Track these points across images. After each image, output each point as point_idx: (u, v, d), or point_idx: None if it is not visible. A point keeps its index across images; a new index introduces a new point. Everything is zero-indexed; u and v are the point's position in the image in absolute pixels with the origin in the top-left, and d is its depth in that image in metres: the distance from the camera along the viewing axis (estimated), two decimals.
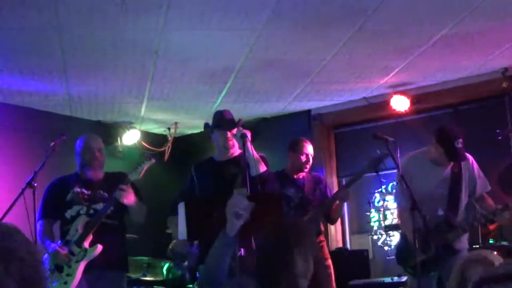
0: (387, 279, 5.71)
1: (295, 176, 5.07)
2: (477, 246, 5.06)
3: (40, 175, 4.11)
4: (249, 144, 3.93)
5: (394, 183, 4.57)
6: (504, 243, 5.16)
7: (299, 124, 7.05)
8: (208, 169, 4.30)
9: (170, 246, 6.32)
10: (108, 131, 7.04)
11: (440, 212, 4.35)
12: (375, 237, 6.83)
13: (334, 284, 4.96)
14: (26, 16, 4.11)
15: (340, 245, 6.90)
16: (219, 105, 6.32)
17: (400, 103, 6.35)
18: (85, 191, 4.31)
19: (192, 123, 7.41)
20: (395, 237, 6.63)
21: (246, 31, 4.55)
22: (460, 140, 4.23)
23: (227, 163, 4.23)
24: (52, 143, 4.21)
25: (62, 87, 5.73)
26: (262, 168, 4.00)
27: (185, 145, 7.57)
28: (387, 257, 6.59)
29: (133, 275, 5.73)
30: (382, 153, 4.56)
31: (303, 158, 5.02)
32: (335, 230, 6.89)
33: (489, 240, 5.27)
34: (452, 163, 4.34)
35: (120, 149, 7.13)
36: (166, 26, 4.37)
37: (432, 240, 4.20)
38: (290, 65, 5.44)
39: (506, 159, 5.65)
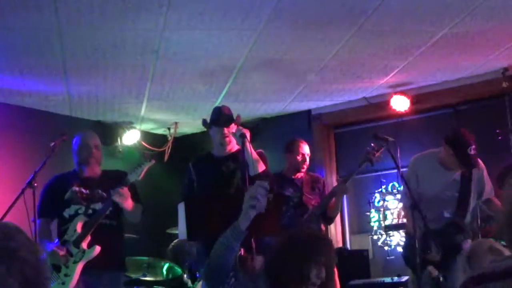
0: (387, 279, 5.71)
1: (292, 177, 5.08)
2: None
3: (40, 175, 4.12)
4: (248, 144, 3.93)
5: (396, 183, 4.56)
6: (503, 242, 5.16)
7: (299, 124, 7.05)
8: (207, 165, 4.29)
9: (170, 246, 6.33)
10: (108, 131, 7.04)
11: (446, 215, 4.37)
12: (375, 237, 6.83)
13: (338, 283, 4.91)
14: (26, 16, 4.11)
15: (340, 245, 6.90)
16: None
17: (400, 103, 6.34)
18: (84, 190, 4.28)
19: (192, 123, 7.40)
20: (395, 237, 6.63)
21: (246, 31, 4.55)
22: (473, 147, 4.23)
23: (226, 158, 4.22)
24: (52, 143, 4.20)
25: (62, 87, 5.72)
26: (261, 167, 4.00)
27: (185, 145, 7.57)
28: (387, 257, 6.60)
29: (133, 275, 5.72)
30: (375, 146, 4.54)
31: (300, 158, 5.05)
32: (335, 230, 6.89)
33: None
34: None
35: (120, 149, 7.13)
36: (166, 26, 4.37)
37: (439, 242, 4.21)
38: (290, 65, 5.44)
39: (506, 159, 5.64)
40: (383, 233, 6.73)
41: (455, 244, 4.26)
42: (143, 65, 5.21)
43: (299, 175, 5.10)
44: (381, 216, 6.80)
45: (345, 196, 5.61)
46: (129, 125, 7.21)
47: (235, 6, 4.12)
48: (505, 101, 5.99)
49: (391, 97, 6.37)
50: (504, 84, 5.73)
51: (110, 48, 4.78)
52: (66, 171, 4.49)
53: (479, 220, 4.93)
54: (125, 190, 4.12)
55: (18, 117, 6.19)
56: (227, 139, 4.18)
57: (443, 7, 4.32)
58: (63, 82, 5.56)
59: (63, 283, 4.03)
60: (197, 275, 6.03)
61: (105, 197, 4.24)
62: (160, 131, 7.64)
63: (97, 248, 4.10)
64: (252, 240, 3.65)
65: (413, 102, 6.34)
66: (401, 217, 6.58)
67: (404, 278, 5.41)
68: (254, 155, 3.99)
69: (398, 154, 4.24)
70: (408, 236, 4.50)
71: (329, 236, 6.68)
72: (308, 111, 7.07)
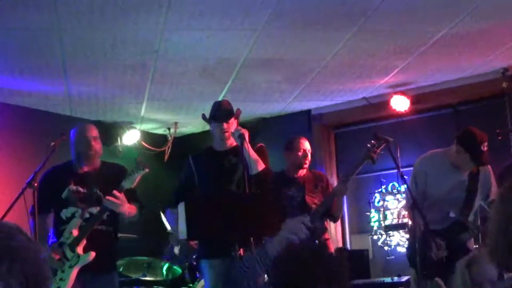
0: (387, 279, 5.71)
1: (295, 175, 5.02)
2: (476, 246, 5.06)
3: (40, 175, 4.11)
4: (246, 144, 3.92)
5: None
6: None
7: (299, 124, 7.05)
8: (207, 159, 4.25)
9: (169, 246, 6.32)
10: (108, 131, 7.03)
11: (452, 215, 4.38)
12: (375, 237, 6.83)
13: None
14: (26, 16, 4.11)
15: (340, 245, 6.90)
16: None
17: (400, 103, 6.34)
18: (81, 189, 4.25)
19: (192, 123, 7.41)
20: (395, 237, 6.63)
21: (246, 31, 4.55)
22: (485, 143, 4.23)
23: (227, 153, 4.19)
24: (52, 143, 4.17)
25: (62, 87, 5.73)
26: (261, 166, 3.99)
27: (185, 145, 7.57)
28: (387, 257, 6.60)
29: (133, 275, 5.73)
30: (375, 143, 4.48)
31: (301, 153, 4.96)
32: (335, 230, 6.89)
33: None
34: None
35: (120, 149, 7.13)
36: (166, 26, 4.37)
37: (445, 241, 4.22)
38: (290, 65, 5.44)
39: (506, 159, 5.64)
40: (383, 233, 6.73)
41: (460, 243, 4.27)
42: (143, 65, 5.21)
43: (301, 173, 5.02)
44: (381, 216, 6.80)
45: (345, 196, 5.59)
46: (129, 125, 7.21)
47: (235, 6, 4.12)
48: (505, 101, 5.99)
49: (391, 97, 6.37)
50: (504, 84, 5.72)
51: (110, 48, 4.78)
52: (62, 163, 4.40)
53: (479, 220, 4.94)
54: (120, 196, 4.06)
55: (18, 117, 6.19)
56: (226, 134, 4.14)
57: (443, 7, 4.32)
58: (63, 82, 5.57)
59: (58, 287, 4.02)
60: (197, 275, 6.04)
61: (102, 198, 4.21)
62: (160, 131, 7.64)
63: (92, 254, 4.07)
64: (252, 240, 3.66)
65: (413, 102, 6.34)
66: (401, 217, 6.59)
67: (404, 278, 5.41)
68: (253, 154, 3.99)
69: (398, 154, 4.24)
70: (412, 235, 4.51)
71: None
72: (308, 111, 7.07)
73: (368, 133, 5.15)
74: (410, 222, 4.72)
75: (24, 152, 5.98)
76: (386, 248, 6.69)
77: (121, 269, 5.54)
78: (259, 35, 4.64)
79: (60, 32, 4.42)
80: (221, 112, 4.16)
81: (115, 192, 4.02)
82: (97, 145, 4.31)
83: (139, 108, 6.62)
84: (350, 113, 6.89)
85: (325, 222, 5.03)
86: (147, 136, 7.52)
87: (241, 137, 3.93)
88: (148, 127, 7.48)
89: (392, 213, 6.74)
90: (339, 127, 7.27)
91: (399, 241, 6.57)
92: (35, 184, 4.00)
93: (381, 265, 6.72)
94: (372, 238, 6.86)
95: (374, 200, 6.86)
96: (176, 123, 7.36)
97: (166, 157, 7.48)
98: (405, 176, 4.43)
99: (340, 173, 7.15)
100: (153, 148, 7.39)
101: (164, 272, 5.82)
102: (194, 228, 3.54)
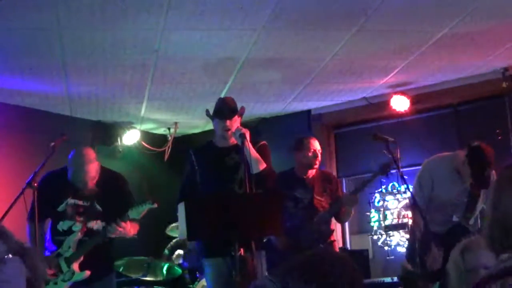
0: (387, 279, 5.71)
1: (303, 176, 4.92)
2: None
3: (40, 175, 4.11)
4: (247, 143, 3.90)
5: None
6: None
7: (299, 124, 7.05)
8: (209, 154, 4.20)
9: (169, 246, 6.33)
10: (108, 131, 7.04)
11: (455, 218, 4.39)
12: (375, 237, 6.83)
13: None
14: (26, 16, 4.11)
15: (340, 245, 6.90)
16: None
17: (400, 103, 6.34)
18: (80, 203, 4.23)
19: (192, 123, 7.41)
20: (395, 237, 6.63)
21: (246, 31, 4.55)
22: (490, 170, 4.21)
23: (229, 150, 4.13)
24: (52, 143, 4.17)
25: (62, 87, 5.72)
26: (262, 166, 3.97)
27: (185, 145, 7.55)
28: (387, 257, 6.60)
29: (133, 275, 5.73)
30: (391, 158, 4.42)
31: (310, 154, 4.86)
32: (335, 230, 6.89)
33: None
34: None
35: (120, 149, 7.13)
36: (166, 26, 4.37)
37: (446, 244, 4.23)
38: (290, 65, 5.44)
39: (506, 159, 5.64)
40: (383, 233, 6.73)
41: None
42: (143, 65, 5.21)
43: (311, 173, 4.92)
44: (381, 216, 6.80)
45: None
46: (129, 125, 7.21)
47: (235, 6, 4.11)
48: (505, 101, 5.99)
49: (391, 97, 6.37)
50: (504, 84, 5.73)
51: (110, 48, 4.78)
52: (60, 168, 4.38)
53: (479, 221, 4.94)
54: (125, 226, 4.07)
55: (18, 117, 6.19)
56: (230, 132, 4.08)
57: (443, 7, 4.32)
58: (63, 82, 5.56)
59: None
60: (197, 275, 6.04)
61: (101, 213, 4.20)
62: (160, 131, 7.64)
63: (87, 273, 4.07)
64: (252, 240, 3.66)
65: (413, 102, 6.34)
66: (401, 217, 6.59)
67: None
68: (254, 154, 3.96)
69: (398, 154, 4.23)
70: (412, 236, 4.52)
71: None
72: (308, 111, 7.07)
73: (368, 133, 5.15)
74: (410, 222, 4.72)
75: (24, 152, 5.98)
76: (386, 248, 6.69)
77: (121, 269, 5.54)
78: (259, 35, 4.64)
79: (60, 32, 4.42)
80: (224, 109, 4.10)
81: (120, 222, 4.04)
82: (93, 170, 4.23)
83: (139, 108, 6.62)
84: (350, 113, 6.89)
85: (331, 224, 4.99)
86: (147, 136, 7.52)
87: (242, 136, 3.90)
88: (148, 127, 7.48)
89: (392, 213, 6.74)
90: (339, 127, 7.27)
91: (399, 241, 6.57)
92: (35, 184, 4.00)
93: (381, 265, 6.72)
94: (372, 238, 6.86)
95: (374, 200, 6.85)
96: (176, 123, 7.35)
97: (166, 157, 7.48)
98: (405, 176, 4.43)
99: (339, 173, 7.15)
100: (153, 148, 7.39)
101: (164, 272, 5.82)
102: (194, 228, 3.54)
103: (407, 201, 5.79)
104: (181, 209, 3.53)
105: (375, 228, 6.86)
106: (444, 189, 4.36)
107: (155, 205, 4.09)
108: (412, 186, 4.66)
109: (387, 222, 6.73)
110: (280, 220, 3.64)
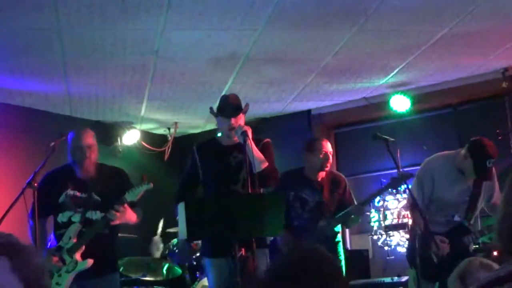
0: (387, 279, 5.71)
1: (313, 178, 4.83)
2: (477, 246, 5.06)
3: (40, 175, 4.11)
4: (250, 141, 3.86)
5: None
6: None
7: (299, 124, 7.05)
8: (213, 152, 4.15)
9: (170, 246, 6.32)
10: (108, 131, 7.04)
11: (457, 218, 4.38)
12: (375, 237, 6.83)
13: None
14: (26, 16, 4.11)
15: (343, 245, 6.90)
16: None
17: (400, 103, 6.34)
18: (79, 194, 4.23)
19: (192, 123, 7.41)
20: (395, 237, 6.63)
21: (246, 31, 4.55)
22: (493, 160, 4.21)
23: (233, 148, 4.06)
24: (52, 143, 4.16)
25: (62, 87, 5.72)
26: (264, 164, 3.94)
27: (185, 145, 7.54)
28: (387, 257, 6.60)
29: (133, 275, 5.72)
30: (402, 174, 4.37)
31: (322, 156, 4.76)
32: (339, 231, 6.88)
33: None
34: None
35: (120, 149, 7.13)
36: (166, 26, 4.37)
37: (449, 244, 4.23)
38: (290, 65, 5.44)
39: (506, 159, 5.64)
40: (383, 233, 6.73)
41: (463, 247, 4.27)
42: (143, 65, 5.21)
43: (321, 175, 4.83)
44: (381, 216, 6.79)
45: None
46: (129, 125, 7.21)
47: (235, 6, 4.11)
48: (505, 101, 5.99)
49: (391, 97, 6.37)
50: (504, 84, 5.73)
51: (110, 48, 4.78)
52: (60, 165, 4.40)
53: (479, 221, 4.95)
54: (122, 209, 4.05)
55: (18, 117, 6.19)
56: (234, 131, 4.00)
57: (443, 7, 4.32)
58: (63, 82, 5.57)
59: None
60: (197, 275, 6.03)
61: (100, 203, 4.21)
62: (160, 131, 7.65)
63: (90, 261, 4.06)
64: (253, 239, 3.65)
65: (413, 102, 6.34)
66: (401, 217, 6.59)
67: (404, 278, 5.41)
68: (257, 152, 3.92)
69: (398, 154, 4.23)
70: (412, 236, 4.52)
71: None
72: (308, 111, 7.07)
73: (368, 133, 5.14)
74: (410, 222, 4.71)
75: (24, 152, 5.98)
76: (386, 248, 6.68)
77: (121, 269, 5.54)
78: (259, 35, 4.64)
79: (60, 32, 4.42)
80: (228, 107, 4.03)
81: (119, 207, 4.02)
82: (93, 153, 4.27)
83: (139, 108, 6.62)
84: (350, 113, 6.89)
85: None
86: (147, 136, 7.52)
87: (244, 134, 3.86)
88: (148, 127, 7.49)
89: (392, 213, 6.73)
90: (339, 127, 7.27)
91: (399, 241, 6.56)
92: (35, 184, 4.00)
93: (381, 265, 6.72)
94: (372, 238, 6.86)
95: (374, 200, 6.85)
96: (176, 123, 7.36)
97: (166, 157, 7.48)
98: None
99: (340, 173, 7.13)
100: (153, 148, 7.39)
101: (164, 272, 5.82)
102: (194, 228, 3.53)
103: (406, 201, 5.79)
104: (181, 209, 3.52)
105: (375, 228, 6.85)
106: (445, 188, 4.36)
107: (151, 186, 4.10)
108: (412, 186, 4.66)
109: (387, 222, 6.72)
110: (280, 221, 3.62)
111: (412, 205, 4.23)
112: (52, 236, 4.29)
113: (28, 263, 1.38)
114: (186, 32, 4.54)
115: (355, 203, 4.83)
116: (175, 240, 5.96)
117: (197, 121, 7.33)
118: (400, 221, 6.58)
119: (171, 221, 6.15)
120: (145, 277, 5.73)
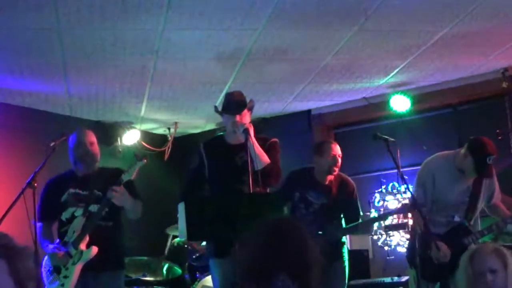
0: (387, 279, 5.71)
1: (321, 181, 4.79)
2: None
3: (40, 175, 4.11)
4: (251, 139, 3.85)
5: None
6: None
7: (299, 124, 7.05)
8: (219, 151, 4.14)
9: (168, 246, 6.32)
10: (108, 131, 7.04)
11: (457, 219, 4.39)
12: (375, 237, 6.82)
13: (344, 281, 4.76)
14: (26, 16, 4.11)
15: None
16: None
17: (400, 103, 6.34)
18: (81, 192, 4.26)
19: (192, 123, 7.41)
20: (395, 237, 6.63)
21: (246, 31, 4.55)
22: (493, 157, 4.22)
23: (239, 148, 4.03)
24: (52, 143, 4.18)
25: (62, 87, 5.72)
26: (265, 162, 3.93)
27: (185, 145, 7.57)
28: (387, 257, 6.60)
29: (133, 275, 5.73)
30: (415, 200, 4.31)
31: (330, 159, 4.75)
32: None
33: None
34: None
35: (120, 149, 7.13)
36: (166, 26, 4.37)
37: (449, 245, 4.23)
38: (290, 65, 5.44)
39: (506, 159, 5.64)
40: (383, 233, 6.72)
41: (463, 248, 4.27)
42: (143, 65, 5.21)
43: (329, 178, 4.79)
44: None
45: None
46: (129, 125, 7.21)
47: (235, 6, 4.11)
48: (505, 101, 5.99)
49: (391, 97, 6.37)
50: (504, 84, 5.73)
51: (110, 48, 4.78)
52: (63, 171, 4.46)
53: (479, 221, 4.95)
54: (120, 189, 4.08)
55: (18, 117, 6.19)
56: (237, 128, 4.00)
57: (443, 7, 4.32)
58: (63, 82, 5.56)
59: (62, 285, 4.02)
60: (197, 275, 6.04)
61: (101, 197, 4.21)
62: (160, 131, 7.65)
63: (94, 249, 4.08)
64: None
65: (413, 102, 6.34)
66: (401, 217, 6.58)
67: (404, 278, 5.42)
68: (259, 150, 3.90)
69: (398, 154, 4.23)
70: (412, 236, 4.52)
71: None
72: (308, 111, 7.07)
73: (368, 133, 5.14)
74: (410, 223, 4.71)
75: (24, 152, 5.98)
76: (386, 248, 6.68)
77: None
78: (259, 36, 4.64)
79: (60, 32, 4.42)
80: (232, 104, 4.03)
81: (116, 187, 4.06)
82: (95, 151, 4.33)
83: (139, 108, 6.62)
84: (350, 113, 6.89)
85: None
86: (147, 136, 7.52)
87: (245, 131, 3.85)
88: (148, 127, 7.49)
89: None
90: (339, 127, 7.27)
91: (399, 241, 6.56)
92: (35, 184, 4.01)
93: (381, 265, 6.71)
94: (372, 238, 6.86)
95: (374, 200, 6.84)
96: (176, 123, 7.36)
97: (166, 157, 7.49)
98: (405, 176, 4.43)
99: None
100: (153, 148, 7.39)
101: (164, 272, 5.82)
102: (194, 229, 3.53)
103: (407, 201, 5.78)
104: (181, 209, 3.52)
105: (375, 228, 6.85)
106: (446, 188, 4.36)
107: (145, 161, 4.15)
108: (412, 186, 4.66)
109: (387, 222, 6.72)
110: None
111: (413, 205, 4.23)
112: (57, 239, 4.31)
113: (24, 267, 1.38)
114: (186, 32, 4.54)
115: (360, 210, 4.82)
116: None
117: (197, 121, 7.33)
118: (400, 221, 6.58)
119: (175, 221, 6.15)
120: (145, 277, 5.74)
